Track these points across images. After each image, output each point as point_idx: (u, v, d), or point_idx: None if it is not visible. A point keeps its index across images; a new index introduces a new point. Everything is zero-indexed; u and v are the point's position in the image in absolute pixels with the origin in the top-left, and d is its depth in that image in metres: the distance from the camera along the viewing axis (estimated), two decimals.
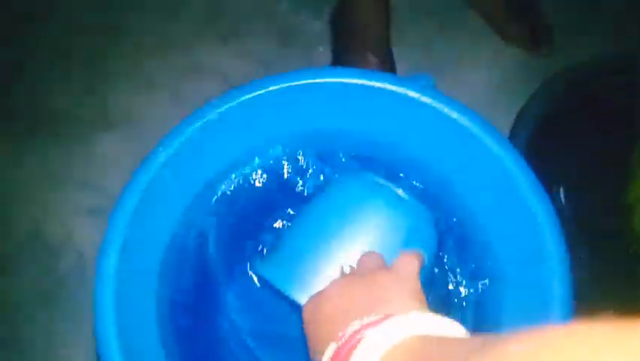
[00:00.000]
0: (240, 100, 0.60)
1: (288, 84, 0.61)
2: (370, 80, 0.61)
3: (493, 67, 1.07)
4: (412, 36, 1.09)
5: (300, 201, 0.65)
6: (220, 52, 1.07)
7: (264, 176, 0.66)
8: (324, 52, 1.07)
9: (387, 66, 1.01)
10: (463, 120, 0.59)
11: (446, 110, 0.59)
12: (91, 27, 1.10)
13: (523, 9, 1.07)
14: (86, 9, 1.11)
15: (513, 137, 0.88)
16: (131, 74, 1.06)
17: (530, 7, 1.07)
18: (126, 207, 0.54)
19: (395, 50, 1.04)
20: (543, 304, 0.52)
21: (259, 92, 0.61)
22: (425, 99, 0.60)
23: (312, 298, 0.45)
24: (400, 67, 1.03)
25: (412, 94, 0.60)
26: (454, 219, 0.64)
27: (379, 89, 0.60)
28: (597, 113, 0.88)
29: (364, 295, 0.41)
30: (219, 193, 0.65)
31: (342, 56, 1.02)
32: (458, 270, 0.62)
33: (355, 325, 0.36)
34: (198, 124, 0.59)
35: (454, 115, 0.59)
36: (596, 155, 0.84)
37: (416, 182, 0.66)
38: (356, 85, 0.61)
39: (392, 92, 0.60)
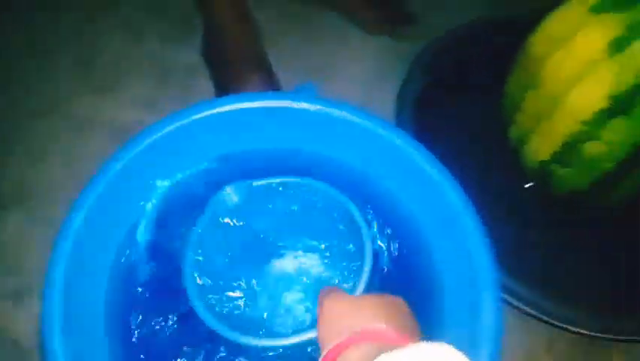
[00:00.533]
0: (135, 151, 0.62)
1: (178, 123, 0.64)
2: (254, 101, 0.65)
3: (365, 59, 1.12)
4: (285, 47, 1.12)
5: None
6: (101, 104, 1.06)
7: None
8: (206, 83, 1.07)
9: (273, 80, 1.03)
10: (354, 118, 0.63)
11: (336, 113, 0.63)
12: None
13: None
14: None
15: (398, 119, 0.93)
16: (15, 145, 1.03)
17: None
18: (56, 281, 0.54)
19: (273, 64, 1.07)
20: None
21: (153, 137, 0.63)
22: (314, 107, 0.64)
23: (333, 292, 0.47)
24: (282, 79, 1.07)
25: (300, 105, 0.64)
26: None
27: (273, 108, 0.64)
28: (475, 73, 0.95)
29: (374, 306, 0.44)
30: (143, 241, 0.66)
31: (225, 85, 1.04)
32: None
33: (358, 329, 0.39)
34: (104, 180, 0.60)
35: (345, 115, 0.63)
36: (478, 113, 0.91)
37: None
38: (248, 109, 0.64)
39: (283, 108, 0.64)
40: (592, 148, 0.70)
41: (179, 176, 0.67)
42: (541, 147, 0.77)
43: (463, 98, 0.94)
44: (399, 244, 0.64)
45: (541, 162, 0.78)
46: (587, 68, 0.66)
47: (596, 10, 0.66)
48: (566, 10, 0.69)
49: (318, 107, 0.63)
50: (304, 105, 0.64)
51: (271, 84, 1.02)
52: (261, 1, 1.16)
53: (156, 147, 0.63)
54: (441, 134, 0.84)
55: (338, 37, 1.15)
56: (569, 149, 0.73)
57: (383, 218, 0.64)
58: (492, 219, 0.59)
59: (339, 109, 0.64)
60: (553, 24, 0.71)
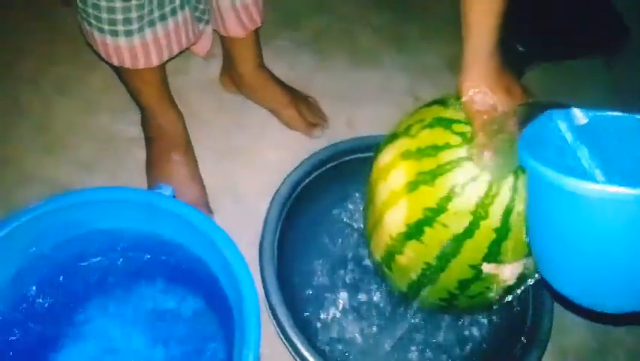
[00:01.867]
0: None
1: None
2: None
3: (282, 150, 1.28)
4: (213, 133, 1.29)
5: None
6: (47, 162, 1.22)
7: None
8: (141, 153, 1.22)
9: (189, 161, 1.19)
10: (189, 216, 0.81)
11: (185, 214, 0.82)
12: None
13: (301, 102, 1.31)
14: None
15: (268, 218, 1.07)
16: None
17: (305, 99, 1.32)
18: None
19: (202, 140, 1.24)
20: None
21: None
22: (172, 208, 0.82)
23: None
24: (205, 156, 1.23)
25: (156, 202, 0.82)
26: None
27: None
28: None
29: None
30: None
31: (153, 157, 1.19)
32: None
33: None
34: None
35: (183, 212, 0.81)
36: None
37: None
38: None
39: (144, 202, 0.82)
40: (401, 260, 0.84)
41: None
42: (376, 249, 0.91)
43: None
44: None
45: (377, 261, 0.93)
46: (395, 198, 0.81)
47: (404, 156, 0.79)
48: (388, 150, 0.82)
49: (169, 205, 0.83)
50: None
51: (187, 164, 1.18)
52: (202, 90, 1.35)
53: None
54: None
55: (261, 128, 1.32)
56: (389, 256, 0.86)
57: None
58: None
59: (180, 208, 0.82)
60: (381, 157, 0.85)
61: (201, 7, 1.08)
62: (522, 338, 0.96)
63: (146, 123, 1.21)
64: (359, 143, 1.11)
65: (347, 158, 1.11)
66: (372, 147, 1.02)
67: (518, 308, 0.99)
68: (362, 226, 1.07)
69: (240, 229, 0.98)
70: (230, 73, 1.31)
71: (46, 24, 1.43)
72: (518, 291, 0.84)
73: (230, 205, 1.20)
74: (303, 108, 1.30)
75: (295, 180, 1.05)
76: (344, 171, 1.11)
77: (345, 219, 1.14)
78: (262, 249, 0.98)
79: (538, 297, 0.98)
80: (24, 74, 1.34)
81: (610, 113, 0.64)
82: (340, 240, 1.12)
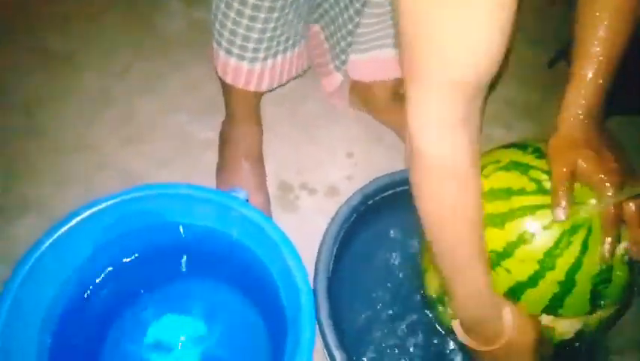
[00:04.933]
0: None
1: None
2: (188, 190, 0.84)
3: (346, 170, 1.28)
4: (282, 146, 1.29)
5: None
6: (125, 153, 1.25)
7: None
8: (214, 157, 1.24)
9: (259, 171, 1.20)
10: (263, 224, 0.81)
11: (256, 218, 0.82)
12: (16, 128, 1.27)
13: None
14: (10, 112, 1.29)
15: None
16: (48, 170, 1.22)
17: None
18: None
19: (268, 157, 1.25)
20: None
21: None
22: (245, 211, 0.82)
23: None
24: (270, 170, 1.23)
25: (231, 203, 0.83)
26: None
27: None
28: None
29: None
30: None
31: (225, 162, 1.20)
32: None
33: None
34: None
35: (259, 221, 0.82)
36: None
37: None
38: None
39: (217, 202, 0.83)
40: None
41: None
42: (430, 284, 0.89)
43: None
44: None
45: (430, 296, 0.90)
46: None
47: None
48: None
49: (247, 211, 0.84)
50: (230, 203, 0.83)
51: (255, 172, 1.19)
52: (277, 103, 1.35)
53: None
54: None
55: (330, 144, 1.31)
56: (443, 295, 0.85)
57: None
58: None
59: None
60: None
61: (343, 56, 1.10)
62: None
63: (227, 130, 1.22)
64: None
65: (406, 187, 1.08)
66: None
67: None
68: (417, 256, 1.05)
69: (296, 242, 0.97)
70: (362, 93, 1.30)
71: (140, 25, 1.46)
72: (574, 345, 0.79)
73: (290, 218, 1.20)
74: None
75: (357, 202, 1.04)
76: (406, 199, 1.08)
77: (400, 248, 1.12)
78: (318, 263, 0.97)
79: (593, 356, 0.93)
80: (114, 67, 1.38)
81: None
82: (394, 268, 1.10)
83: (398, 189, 1.07)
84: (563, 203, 0.66)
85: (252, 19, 0.91)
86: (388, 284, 1.07)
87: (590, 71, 0.69)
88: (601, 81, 0.69)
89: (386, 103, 1.30)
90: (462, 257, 0.67)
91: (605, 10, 0.68)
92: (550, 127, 0.73)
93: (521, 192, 0.71)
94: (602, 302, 0.72)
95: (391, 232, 1.12)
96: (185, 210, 0.87)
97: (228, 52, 0.99)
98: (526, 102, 1.42)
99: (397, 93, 1.30)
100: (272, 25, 0.93)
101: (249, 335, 0.96)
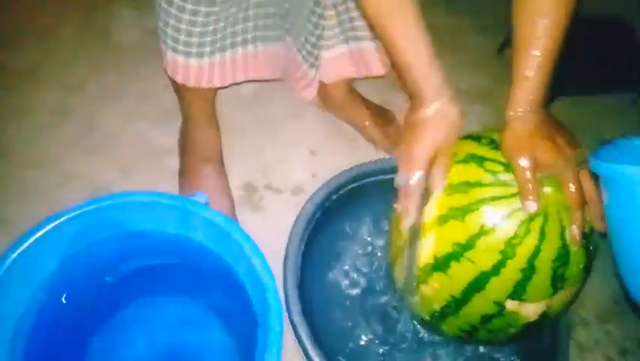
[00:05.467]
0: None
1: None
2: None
3: (309, 167, 1.29)
4: (244, 148, 1.29)
5: None
6: (87, 164, 1.24)
7: None
8: (176, 162, 1.24)
9: (220, 174, 1.20)
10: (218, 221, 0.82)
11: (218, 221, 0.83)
12: None
13: (386, 121, 1.32)
14: None
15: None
16: (12, 185, 1.20)
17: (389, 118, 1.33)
18: None
19: (233, 160, 1.25)
20: None
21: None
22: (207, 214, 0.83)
23: None
24: (233, 172, 1.24)
25: (192, 208, 0.83)
26: None
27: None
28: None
29: None
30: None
31: (186, 167, 1.20)
32: None
33: None
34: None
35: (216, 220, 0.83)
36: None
37: None
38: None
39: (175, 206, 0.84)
40: (425, 290, 0.83)
41: None
42: (399, 276, 0.90)
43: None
44: None
45: (400, 288, 0.92)
46: (424, 230, 0.79)
47: None
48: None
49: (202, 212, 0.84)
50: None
51: (215, 178, 1.19)
52: (237, 106, 1.35)
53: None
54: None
55: (291, 143, 1.32)
56: (414, 283, 0.86)
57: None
58: None
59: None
60: None
61: (314, 54, 1.09)
62: None
63: (184, 134, 1.22)
64: (383, 165, 1.10)
65: (371, 179, 1.10)
66: (394, 170, 1.03)
67: (537, 341, 0.98)
68: (384, 249, 1.07)
69: (264, 243, 0.98)
70: (319, 91, 1.28)
71: (95, 37, 1.45)
72: (540, 328, 0.82)
73: (256, 218, 1.20)
74: (388, 128, 1.32)
75: (321, 199, 1.05)
76: (369, 192, 1.10)
77: (368, 241, 1.13)
78: (286, 261, 0.98)
79: (557, 332, 0.96)
80: (72, 80, 1.36)
81: None
82: (362, 261, 1.11)
83: (362, 182, 1.09)
84: (533, 196, 0.69)
85: (194, 13, 0.90)
86: (358, 277, 1.09)
87: (532, 71, 0.71)
88: (544, 76, 0.72)
89: (343, 99, 1.31)
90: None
91: (542, 5, 0.70)
92: (502, 110, 0.75)
93: (479, 184, 0.73)
94: (563, 284, 0.75)
95: (358, 225, 1.13)
96: (147, 218, 0.87)
97: (174, 50, 0.97)
98: (479, 88, 1.45)
99: (353, 89, 1.31)
100: (213, 17, 0.92)
101: (218, 340, 0.97)
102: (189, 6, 0.89)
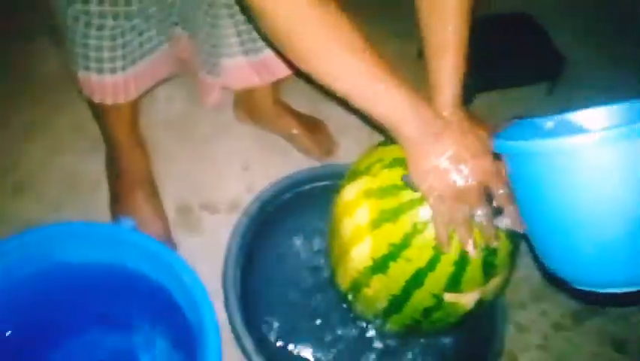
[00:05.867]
0: None
1: None
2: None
3: (244, 184, 1.30)
4: (177, 168, 1.29)
5: None
6: (16, 202, 1.21)
7: None
8: (106, 192, 1.22)
9: (153, 198, 1.19)
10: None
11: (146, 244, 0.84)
12: None
13: (316, 129, 1.34)
14: None
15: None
16: None
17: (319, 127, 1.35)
18: None
19: (165, 182, 1.24)
20: None
21: None
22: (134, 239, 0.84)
23: None
24: (167, 195, 1.23)
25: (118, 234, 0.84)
26: None
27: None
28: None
29: None
30: None
31: (117, 195, 1.19)
32: None
33: None
34: None
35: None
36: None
37: None
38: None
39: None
40: (367, 291, 0.85)
41: None
42: (342, 280, 0.92)
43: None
44: None
45: (343, 291, 0.94)
46: (360, 234, 0.82)
47: (366, 194, 0.80)
48: (351, 187, 0.83)
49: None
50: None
51: (150, 202, 1.18)
52: (167, 127, 1.35)
53: None
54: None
55: (226, 162, 1.33)
56: (355, 288, 0.87)
57: None
58: None
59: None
60: (345, 193, 0.87)
61: (212, 61, 1.09)
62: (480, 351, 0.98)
63: (112, 161, 1.21)
64: (316, 173, 1.13)
65: (305, 187, 1.12)
66: (327, 176, 1.07)
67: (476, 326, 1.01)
68: (325, 254, 1.09)
69: (203, 264, 0.99)
70: (245, 105, 1.32)
71: (15, 72, 1.42)
72: (477, 314, 0.86)
73: (194, 240, 1.20)
74: (318, 135, 1.34)
75: (254, 211, 1.06)
76: (304, 200, 1.12)
77: (306, 249, 1.15)
78: (225, 275, 0.98)
79: (493, 315, 1.00)
80: None
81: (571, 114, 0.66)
82: (304, 269, 1.13)
83: (296, 190, 1.11)
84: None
85: (100, 27, 0.90)
86: (302, 283, 1.11)
87: (451, 74, 0.75)
88: (462, 76, 0.76)
89: (269, 110, 1.33)
90: (354, 81, 0.67)
91: (447, 10, 0.74)
92: None
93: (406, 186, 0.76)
94: (494, 271, 0.79)
95: (297, 233, 1.15)
96: (75, 249, 0.87)
97: (86, 68, 0.97)
98: None
99: (279, 100, 1.33)
100: (120, 30, 0.92)
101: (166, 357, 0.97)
102: (95, 21, 0.89)
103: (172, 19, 1.01)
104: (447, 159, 0.70)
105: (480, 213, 0.71)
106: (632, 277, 0.57)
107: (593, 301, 1.19)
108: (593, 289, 0.60)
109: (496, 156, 0.70)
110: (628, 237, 0.54)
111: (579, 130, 0.66)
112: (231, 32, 1.06)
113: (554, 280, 0.88)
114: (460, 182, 0.70)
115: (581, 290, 0.62)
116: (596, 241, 0.56)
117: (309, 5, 0.63)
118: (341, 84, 0.67)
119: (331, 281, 0.95)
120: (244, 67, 1.12)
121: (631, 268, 0.56)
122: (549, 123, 0.67)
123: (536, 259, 0.69)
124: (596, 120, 0.65)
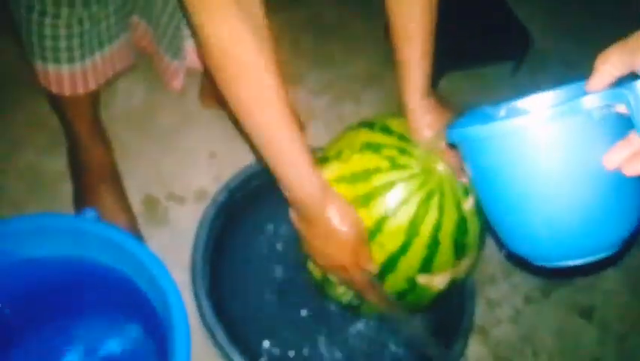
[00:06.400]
0: None
1: None
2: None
3: (210, 175, 1.28)
4: (142, 160, 1.27)
5: None
6: None
7: None
8: (69, 187, 1.20)
9: (117, 190, 1.18)
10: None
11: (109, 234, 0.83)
12: None
13: None
14: None
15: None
16: None
17: None
18: None
19: (130, 175, 1.22)
20: None
21: None
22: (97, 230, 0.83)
23: None
24: (132, 188, 1.22)
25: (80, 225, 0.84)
26: None
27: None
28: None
29: None
30: None
31: (81, 190, 1.17)
32: None
33: None
34: None
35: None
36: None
37: None
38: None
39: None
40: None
41: None
42: (315, 268, 0.92)
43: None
44: None
45: (316, 279, 0.94)
46: None
47: (338, 180, 0.79)
48: (323, 173, 0.82)
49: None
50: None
51: (114, 194, 1.16)
52: (128, 120, 1.32)
53: None
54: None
55: (190, 153, 1.31)
56: (324, 279, 0.89)
57: None
58: None
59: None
60: None
61: (176, 43, 1.07)
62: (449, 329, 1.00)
63: (74, 156, 1.18)
64: None
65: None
66: None
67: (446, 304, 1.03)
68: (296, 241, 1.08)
69: (172, 255, 0.99)
70: (211, 90, 1.28)
71: None
72: (448, 293, 0.87)
73: (162, 232, 1.19)
74: None
75: (222, 199, 1.05)
76: (274, 187, 1.11)
77: (278, 236, 1.15)
78: (193, 266, 0.98)
79: (462, 292, 1.02)
80: None
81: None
82: (275, 257, 1.13)
83: (265, 178, 1.09)
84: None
85: (55, 16, 0.88)
86: (275, 271, 1.11)
87: (421, 59, 0.76)
88: (431, 60, 0.77)
89: None
90: (274, 141, 0.67)
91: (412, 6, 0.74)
92: (394, 93, 0.80)
93: (378, 170, 0.77)
94: (465, 251, 0.80)
95: (267, 220, 1.15)
96: (37, 243, 0.85)
97: (43, 59, 0.94)
98: (369, 74, 1.50)
99: None
100: (76, 19, 0.90)
101: (142, 347, 0.96)
102: (50, 9, 0.87)
103: (128, 7, 0.98)
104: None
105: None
106: (584, 248, 0.59)
107: (555, 275, 1.22)
108: (551, 264, 0.62)
109: (452, 146, 0.71)
110: (574, 209, 0.57)
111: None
112: None
113: (516, 259, 0.90)
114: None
115: (540, 266, 0.64)
116: (545, 215, 0.58)
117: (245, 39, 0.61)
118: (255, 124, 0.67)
119: (304, 268, 0.94)
120: None
121: (581, 240, 0.58)
122: (501, 111, 0.68)
123: (498, 241, 0.70)
124: (545, 104, 0.67)
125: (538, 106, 0.67)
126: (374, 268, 0.76)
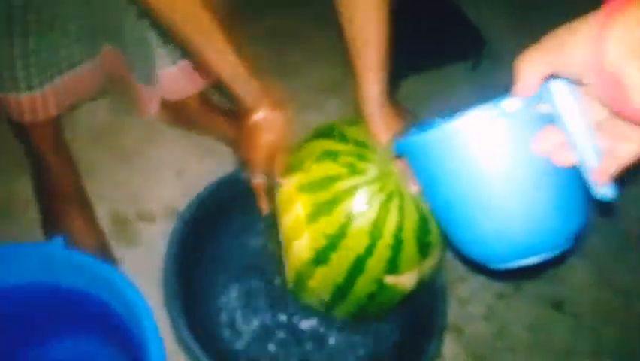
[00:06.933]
0: None
1: None
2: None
3: (177, 191, 1.29)
4: (109, 180, 1.28)
5: None
6: None
7: None
8: (36, 211, 1.20)
9: (85, 212, 1.18)
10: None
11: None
12: None
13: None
14: None
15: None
16: None
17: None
18: None
19: (97, 195, 1.22)
20: None
21: None
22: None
23: None
24: (101, 209, 1.22)
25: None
26: None
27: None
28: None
29: None
30: None
31: (49, 214, 1.17)
32: None
33: None
34: None
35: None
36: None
37: None
38: None
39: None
40: (312, 283, 0.87)
41: None
42: (288, 271, 0.94)
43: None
44: None
45: (289, 284, 0.95)
46: (299, 228, 0.83)
47: (301, 189, 0.82)
48: (288, 182, 0.85)
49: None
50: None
51: (83, 216, 1.17)
52: (93, 139, 1.33)
53: None
54: None
55: (156, 171, 1.32)
56: (301, 280, 0.89)
57: None
58: None
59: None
60: (282, 189, 0.88)
61: (147, 72, 1.08)
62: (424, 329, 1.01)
63: (39, 179, 1.18)
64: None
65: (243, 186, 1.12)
66: None
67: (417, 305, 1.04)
68: (268, 248, 1.10)
69: (146, 275, 0.99)
70: (171, 108, 1.28)
71: None
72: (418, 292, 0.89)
73: (133, 252, 1.19)
74: None
75: (190, 216, 1.05)
76: (244, 199, 1.12)
77: (251, 247, 1.16)
78: (165, 287, 0.98)
79: (433, 292, 1.03)
80: None
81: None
82: (249, 267, 1.14)
83: (233, 190, 1.10)
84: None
85: (10, 45, 0.89)
86: (249, 282, 1.11)
87: (378, 67, 0.79)
88: (384, 75, 0.80)
89: (196, 113, 1.31)
90: (202, 31, 0.74)
91: (367, 7, 0.77)
92: (353, 101, 0.84)
93: (338, 177, 0.79)
94: (429, 250, 0.82)
95: (240, 232, 1.15)
96: (6, 272, 0.85)
97: (2, 88, 0.96)
98: (330, 81, 1.52)
99: (206, 100, 1.32)
100: (31, 47, 0.91)
101: None
102: (4, 40, 0.88)
103: (94, 34, 0.99)
104: None
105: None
106: (536, 246, 0.60)
107: (518, 274, 1.24)
108: (506, 266, 0.63)
109: (399, 159, 0.73)
110: (518, 209, 0.58)
111: None
112: (159, 43, 1.07)
113: (472, 264, 0.92)
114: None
115: (495, 270, 0.65)
116: (491, 218, 0.59)
117: None
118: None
119: (278, 275, 0.96)
120: (178, 76, 1.13)
121: (531, 238, 0.59)
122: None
123: (453, 248, 0.71)
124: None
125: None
126: (277, 177, 0.85)
